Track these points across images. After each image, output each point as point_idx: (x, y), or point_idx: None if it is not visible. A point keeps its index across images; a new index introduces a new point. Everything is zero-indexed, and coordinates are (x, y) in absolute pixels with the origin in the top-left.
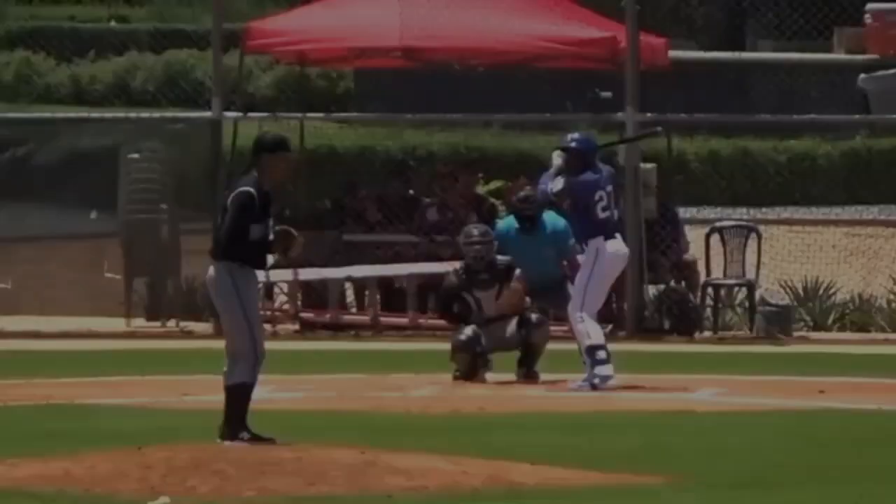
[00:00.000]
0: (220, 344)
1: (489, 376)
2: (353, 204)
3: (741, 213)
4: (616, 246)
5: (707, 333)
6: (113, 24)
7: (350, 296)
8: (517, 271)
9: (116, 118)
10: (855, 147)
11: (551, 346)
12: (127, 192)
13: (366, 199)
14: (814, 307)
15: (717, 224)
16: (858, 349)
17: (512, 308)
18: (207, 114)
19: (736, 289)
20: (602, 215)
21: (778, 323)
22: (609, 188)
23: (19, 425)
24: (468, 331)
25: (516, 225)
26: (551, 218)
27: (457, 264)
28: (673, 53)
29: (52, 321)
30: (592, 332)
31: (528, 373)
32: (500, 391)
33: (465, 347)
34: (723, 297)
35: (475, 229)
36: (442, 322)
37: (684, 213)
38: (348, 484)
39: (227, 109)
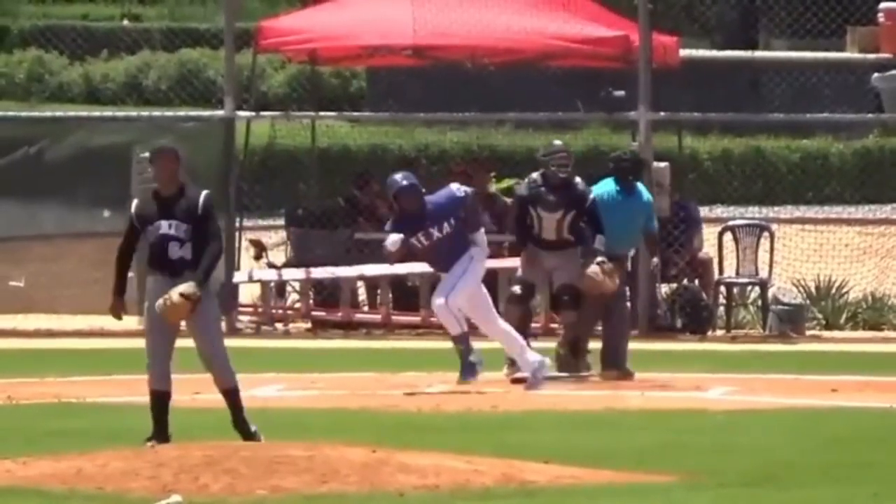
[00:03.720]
0: (229, 343)
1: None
2: (365, 199)
3: (754, 212)
4: None
5: (719, 332)
6: (125, 22)
7: (362, 294)
8: (600, 240)
9: (129, 117)
10: (868, 146)
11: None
12: (139, 190)
13: (377, 195)
14: (826, 306)
15: (730, 223)
16: (871, 348)
17: (593, 290)
18: (220, 112)
19: (748, 287)
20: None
21: (790, 322)
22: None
23: (31, 423)
24: (518, 289)
25: (616, 187)
26: (645, 188)
27: None
28: (686, 52)
29: (64, 319)
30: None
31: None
32: (512, 389)
33: (517, 301)
34: (735, 295)
35: (557, 142)
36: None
37: None
38: (360, 482)
39: (240, 108)
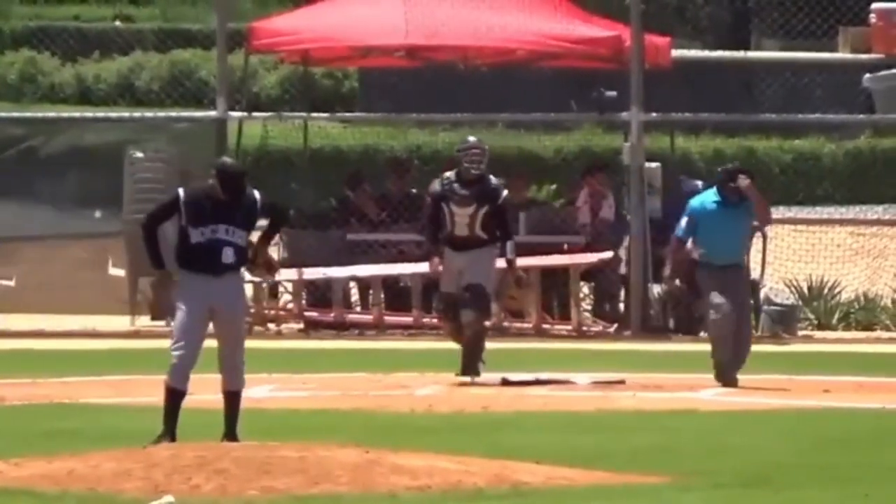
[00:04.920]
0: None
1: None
2: (357, 200)
3: None
4: None
5: None
6: (118, 23)
7: (354, 295)
8: (512, 248)
9: (121, 117)
10: (859, 146)
11: (553, 345)
12: (131, 191)
13: (366, 196)
14: (818, 306)
15: None
16: (863, 348)
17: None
18: (212, 113)
19: None
20: None
21: (783, 322)
22: None
23: (23, 425)
24: (441, 305)
25: (715, 198)
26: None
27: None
28: (678, 53)
29: (56, 320)
30: None
31: (463, 371)
32: (504, 391)
33: (445, 317)
34: None
35: (471, 138)
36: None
37: None
38: (352, 483)
39: (232, 109)
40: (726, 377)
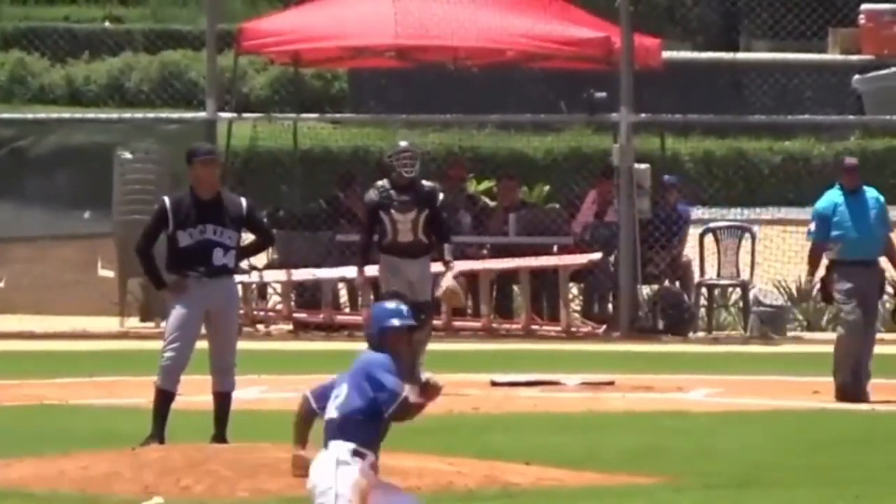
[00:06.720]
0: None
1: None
2: (348, 202)
3: (735, 214)
4: None
5: (701, 334)
6: (107, 24)
7: (343, 296)
8: (450, 262)
9: (111, 118)
10: (849, 147)
11: (542, 346)
12: (121, 192)
13: (356, 197)
14: (808, 307)
15: (712, 224)
16: None
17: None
18: (202, 114)
19: (730, 289)
20: None
21: (772, 323)
22: None
23: (14, 426)
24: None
25: (838, 191)
26: (870, 189)
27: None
28: (668, 54)
29: (46, 321)
30: None
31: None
32: (494, 392)
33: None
34: (717, 297)
35: (402, 142)
36: (437, 323)
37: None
38: None
39: (222, 110)
40: (847, 397)
